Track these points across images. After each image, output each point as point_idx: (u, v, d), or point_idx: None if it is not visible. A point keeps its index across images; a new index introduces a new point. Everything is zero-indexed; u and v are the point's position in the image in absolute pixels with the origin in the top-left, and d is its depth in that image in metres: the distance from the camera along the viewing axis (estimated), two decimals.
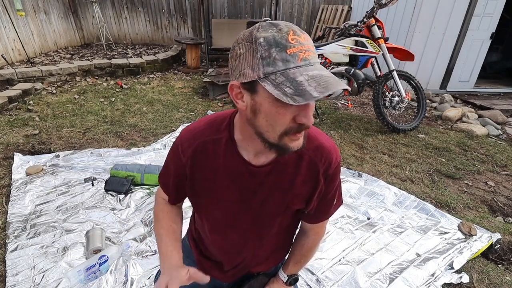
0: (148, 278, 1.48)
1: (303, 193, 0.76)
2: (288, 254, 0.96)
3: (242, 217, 0.79)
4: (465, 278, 1.57)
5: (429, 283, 1.52)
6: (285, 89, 0.53)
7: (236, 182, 0.75)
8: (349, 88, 0.59)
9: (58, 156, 2.59)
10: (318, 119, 3.62)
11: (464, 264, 1.65)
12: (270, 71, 0.54)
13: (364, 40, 3.13)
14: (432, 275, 1.57)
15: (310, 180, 0.75)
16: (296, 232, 0.95)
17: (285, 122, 0.59)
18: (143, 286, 1.45)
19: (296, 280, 0.94)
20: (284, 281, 0.92)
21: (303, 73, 0.54)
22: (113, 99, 4.09)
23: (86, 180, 2.23)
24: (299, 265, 0.93)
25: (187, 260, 1.00)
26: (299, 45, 0.55)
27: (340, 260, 1.65)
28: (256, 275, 0.94)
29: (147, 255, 1.62)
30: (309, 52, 0.55)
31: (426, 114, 3.85)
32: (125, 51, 6.37)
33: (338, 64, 3.28)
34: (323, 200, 0.80)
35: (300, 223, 0.91)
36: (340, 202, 0.84)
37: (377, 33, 3.14)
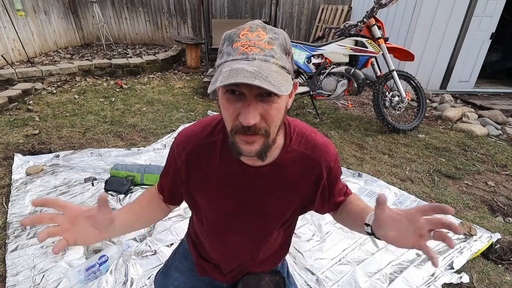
0: (148, 278, 1.48)
1: (305, 192, 0.76)
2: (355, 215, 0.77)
3: (240, 219, 0.79)
4: (465, 278, 1.57)
5: (429, 283, 1.52)
6: (212, 80, 0.55)
7: (232, 185, 0.74)
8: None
9: (58, 156, 2.59)
10: (318, 119, 3.62)
11: (464, 264, 1.65)
12: (219, 63, 0.58)
13: (364, 40, 3.13)
14: (432, 275, 1.57)
15: (311, 177, 0.74)
16: (295, 232, 0.94)
17: (230, 117, 0.59)
18: (143, 286, 1.45)
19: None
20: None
21: (230, 66, 0.53)
22: (113, 99, 4.08)
23: (86, 180, 2.23)
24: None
25: (186, 262, 0.99)
26: (245, 40, 0.55)
27: (340, 260, 1.65)
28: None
29: (147, 255, 1.62)
30: (252, 47, 0.54)
31: (426, 114, 3.85)
32: (125, 51, 6.37)
33: (338, 64, 3.28)
34: (333, 188, 0.79)
35: (329, 211, 0.86)
36: (349, 190, 0.86)
37: (377, 33, 3.15)
